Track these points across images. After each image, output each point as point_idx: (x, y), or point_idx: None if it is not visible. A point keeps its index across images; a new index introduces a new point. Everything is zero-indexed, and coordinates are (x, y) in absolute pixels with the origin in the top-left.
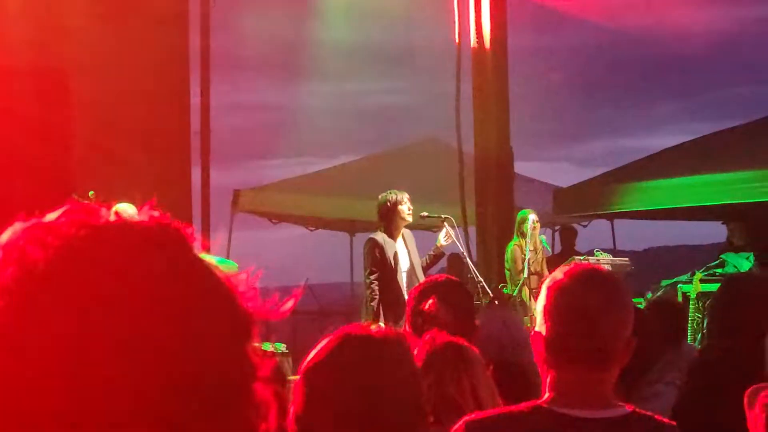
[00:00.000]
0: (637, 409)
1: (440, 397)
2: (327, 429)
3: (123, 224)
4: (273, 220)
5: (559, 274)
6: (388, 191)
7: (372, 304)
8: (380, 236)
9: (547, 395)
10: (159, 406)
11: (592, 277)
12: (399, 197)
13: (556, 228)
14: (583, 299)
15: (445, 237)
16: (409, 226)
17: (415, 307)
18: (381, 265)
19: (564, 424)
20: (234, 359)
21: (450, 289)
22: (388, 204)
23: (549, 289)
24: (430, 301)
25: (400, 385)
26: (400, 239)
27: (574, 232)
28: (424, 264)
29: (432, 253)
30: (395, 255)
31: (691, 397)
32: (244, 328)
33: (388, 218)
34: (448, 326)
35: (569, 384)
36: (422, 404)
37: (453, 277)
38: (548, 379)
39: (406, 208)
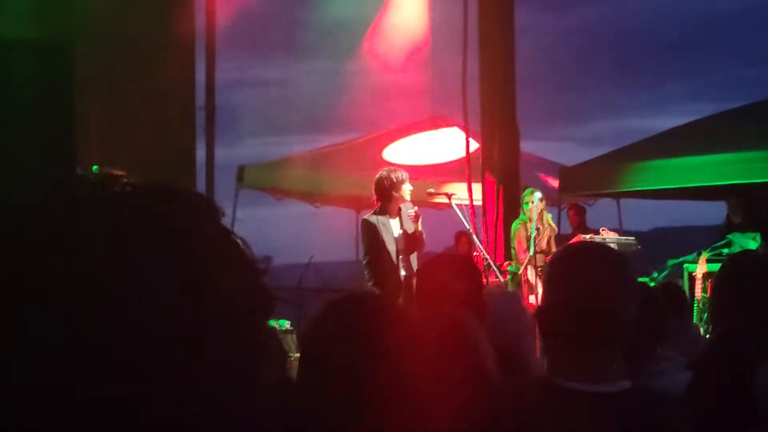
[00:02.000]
0: (639, 384)
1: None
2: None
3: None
4: (278, 197)
5: (562, 249)
6: (390, 168)
7: (369, 284)
8: (374, 218)
9: (547, 368)
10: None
11: (593, 252)
12: (403, 176)
13: (562, 206)
14: (584, 274)
15: (411, 219)
16: (416, 203)
17: (425, 282)
18: (375, 247)
19: (562, 396)
20: (247, 334)
21: (460, 266)
22: (391, 181)
23: (550, 264)
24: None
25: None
26: (397, 218)
27: (583, 210)
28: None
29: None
30: (390, 236)
31: (707, 374)
32: (267, 306)
33: (386, 197)
34: (459, 299)
35: (568, 357)
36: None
37: (463, 254)
38: (549, 352)
39: (408, 188)
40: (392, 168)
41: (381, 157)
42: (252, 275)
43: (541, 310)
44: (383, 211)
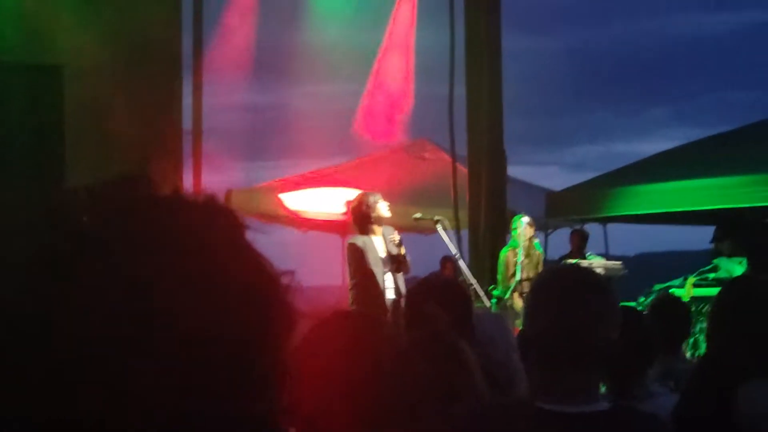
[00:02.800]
0: (622, 404)
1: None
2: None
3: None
4: (265, 221)
5: (543, 273)
6: (359, 194)
7: (353, 306)
8: (359, 240)
9: (529, 390)
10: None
11: (574, 277)
12: (374, 197)
13: (549, 231)
14: (563, 299)
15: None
16: (402, 228)
17: (412, 306)
18: (362, 269)
19: (544, 418)
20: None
21: (449, 291)
22: (366, 205)
23: (532, 287)
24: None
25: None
26: (379, 238)
27: (585, 235)
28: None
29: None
30: (376, 258)
31: (694, 399)
32: (289, 323)
33: (366, 220)
34: (446, 327)
35: (549, 380)
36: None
37: (454, 279)
38: (530, 375)
39: (385, 206)
40: (363, 192)
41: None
42: (274, 290)
43: (522, 334)
44: (366, 232)
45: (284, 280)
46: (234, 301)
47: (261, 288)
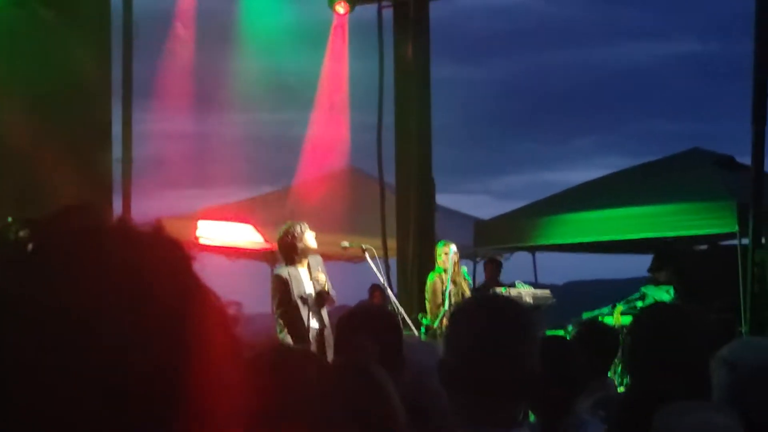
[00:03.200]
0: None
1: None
2: None
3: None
4: (194, 250)
5: (462, 303)
6: (287, 224)
7: (281, 335)
8: (284, 271)
9: (452, 417)
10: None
11: (490, 306)
12: (302, 227)
13: (478, 260)
14: (479, 330)
15: (318, 281)
16: (331, 256)
17: (342, 337)
18: (287, 301)
19: None
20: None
21: (378, 321)
22: (293, 235)
23: (451, 316)
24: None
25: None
26: (305, 267)
27: (499, 264)
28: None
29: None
30: (301, 288)
31: (621, 428)
32: (235, 354)
33: (292, 250)
34: (376, 359)
35: (468, 409)
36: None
37: (384, 308)
38: (453, 403)
39: (311, 236)
40: (291, 222)
41: (294, 211)
42: (220, 321)
43: (442, 362)
44: (292, 262)
45: (230, 311)
46: (177, 333)
47: (206, 319)
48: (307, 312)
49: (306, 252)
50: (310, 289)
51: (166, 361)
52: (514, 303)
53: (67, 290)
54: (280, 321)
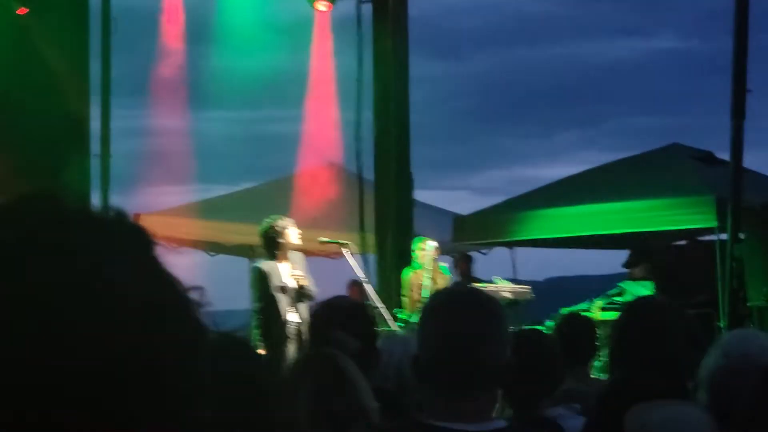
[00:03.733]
0: (518, 423)
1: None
2: None
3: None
4: (173, 245)
5: (432, 296)
6: (271, 217)
7: (257, 331)
8: (265, 264)
9: (425, 411)
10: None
11: (460, 300)
12: (285, 222)
13: (456, 256)
14: (449, 323)
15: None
16: (309, 252)
17: (320, 330)
18: (265, 294)
19: None
20: (180, 373)
21: (355, 316)
22: (275, 230)
23: (423, 311)
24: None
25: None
26: (286, 263)
27: (470, 258)
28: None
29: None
30: (280, 281)
31: (600, 421)
32: (197, 339)
33: (274, 245)
34: (353, 354)
35: (441, 402)
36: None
37: (358, 302)
38: (424, 397)
39: (295, 232)
40: (272, 217)
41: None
42: (182, 306)
43: (416, 358)
44: (273, 257)
45: (193, 296)
46: (138, 317)
47: (168, 303)
48: (284, 305)
49: (287, 247)
50: (292, 285)
51: (127, 348)
52: (484, 295)
53: (25, 275)
54: (258, 314)
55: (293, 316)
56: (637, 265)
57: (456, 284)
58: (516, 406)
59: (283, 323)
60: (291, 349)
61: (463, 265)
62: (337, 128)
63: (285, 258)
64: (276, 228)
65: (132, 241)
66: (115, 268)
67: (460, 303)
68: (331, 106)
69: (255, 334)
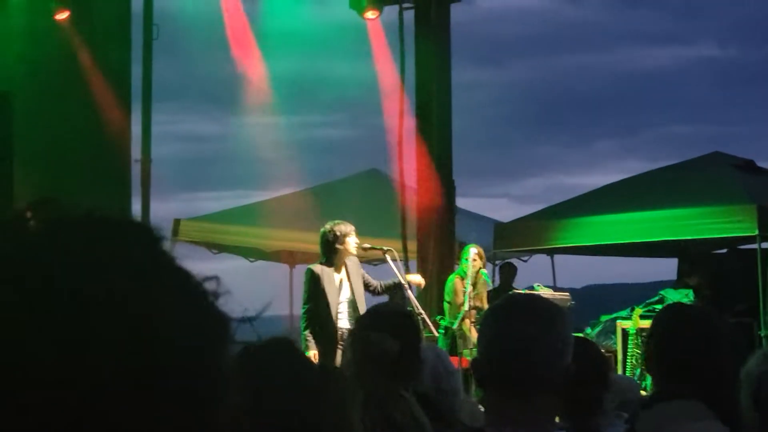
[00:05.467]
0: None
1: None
2: None
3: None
4: (213, 251)
5: (497, 301)
6: (335, 222)
7: (305, 333)
8: (319, 267)
9: (484, 418)
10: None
11: (522, 304)
12: (347, 229)
13: (497, 263)
14: (509, 326)
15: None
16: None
17: (361, 334)
18: (316, 297)
19: None
20: (215, 364)
21: (398, 320)
22: (335, 235)
23: (485, 314)
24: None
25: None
26: (343, 270)
27: (514, 269)
28: (379, 289)
29: (393, 282)
30: (333, 286)
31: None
32: (224, 329)
33: (330, 251)
34: (394, 357)
35: (500, 407)
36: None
37: (402, 308)
38: (485, 403)
39: (353, 241)
40: (337, 221)
41: (315, 212)
42: (201, 299)
43: (476, 361)
44: (328, 263)
45: (209, 286)
46: (155, 314)
47: (184, 296)
48: (336, 309)
49: (343, 255)
50: (345, 294)
51: (142, 344)
52: (543, 300)
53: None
54: (306, 317)
55: (344, 323)
56: (692, 275)
57: (496, 294)
58: (564, 414)
59: (332, 326)
60: (339, 355)
61: (506, 272)
62: (380, 134)
63: (341, 264)
64: (336, 233)
65: (138, 239)
66: (122, 268)
67: (515, 306)
68: (373, 112)
69: (303, 337)
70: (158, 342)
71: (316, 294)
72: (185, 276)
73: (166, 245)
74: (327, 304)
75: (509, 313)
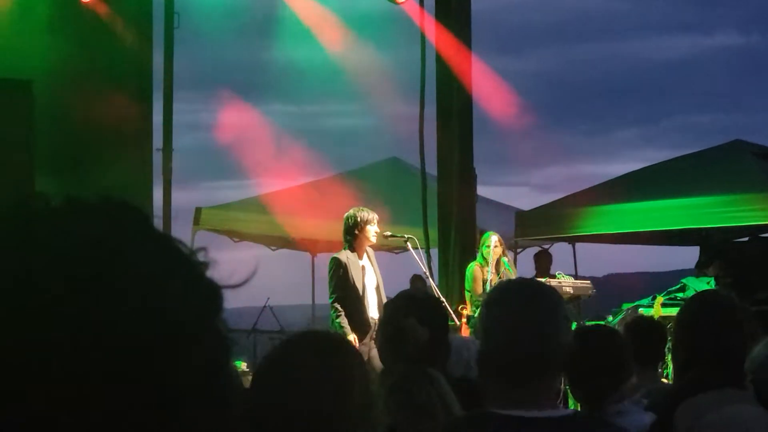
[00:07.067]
0: (585, 412)
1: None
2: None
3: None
4: (235, 239)
5: (491, 291)
6: (359, 208)
7: (338, 321)
8: (344, 255)
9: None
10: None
11: (515, 290)
12: (369, 217)
13: (518, 250)
14: (504, 313)
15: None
16: (373, 246)
17: (391, 319)
18: (345, 285)
19: (509, 423)
20: (209, 334)
21: (428, 307)
22: (355, 220)
23: (482, 306)
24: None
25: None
26: (365, 257)
27: (549, 256)
28: None
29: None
30: (360, 273)
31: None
32: (216, 300)
33: (351, 235)
34: (423, 344)
35: (506, 391)
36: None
37: (432, 294)
38: (488, 390)
39: (373, 230)
40: (361, 207)
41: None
42: (194, 271)
43: (480, 353)
44: (351, 249)
45: (199, 257)
46: (150, 293)
47: (177, 271)
48: (365, 297)
49: (362, 242)
50: (372, 279)
51: (140, 324)
52: (537, 285)
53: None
54: (336, 306)
55: (373, 311)
56: (709, 265)
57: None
58: (582, 400)
59: (362, 315)
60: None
61: (542, 261)
62: (401, 122)
63: (362, 251)
64: (357, 218)
65: (127, 220)
66: (110, 251)
67: (511, 293)
68: (395, 99)
69: (335, 324)
70: (164, 317)
71: (343, 282)
72: (177, 249)
73: (155, 222)
74: (356, 292)
75: (500, 302)
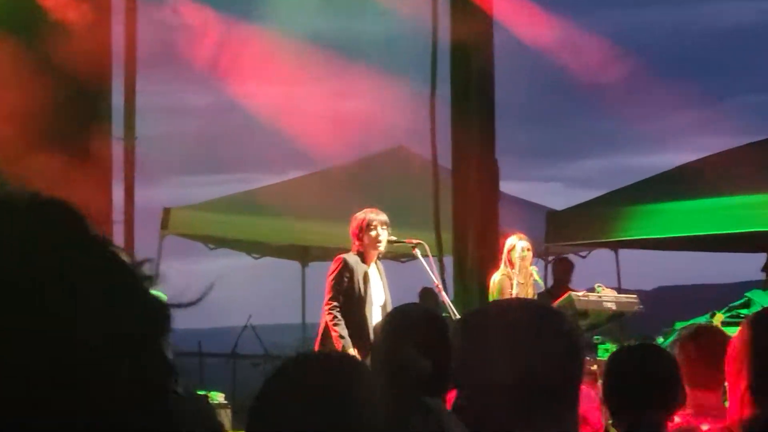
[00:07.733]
0: None
1: None
2: None
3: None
4: (210, 246)
5: (477, 316)
6: (364, 211)
7: (337, 329)
8: (353, 258)
9: None
10: None
11: (521, 320)
12: (378, 221)
13: (550, 258)
14: (519, 345)
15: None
16: (379, 254)
17: (387, 351)
18: (348, 292)
19: None
20: (149, 360)
21: (428, 330)
22: (354, 224)
23: (473, 334)
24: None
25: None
26: (374, 267)
27: (570, 265)
28: None
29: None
30: (367, 284)
31: None
32: (156, 320)
33: (355, 238)
34: (424, 375)
35: (507, 424)
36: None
37: (434, 312)
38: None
39: (375, 235)
40: (370, 209)
41: (331, 199)
42: (134, 288)
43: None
44: (359, 254)
45: (144, 270)
46: (83, 299)
47: (114, 282)
48: (374, 312)
49: (369, 249)
50: (379, 294)
51: (58, 339)
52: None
53: None
54: (335, 313)
55: (377, 317)
56: None
57: (548, 294)
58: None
59: (364, 329)
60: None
61: (560, 269)
62: (408, 105)
63: (370, 259)
64: (363, 222)
65: (57, 222)
66: (39, 255)
67: (515, 323)
68: (401, 81)
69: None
70: (77, 338)
71: (347, 289)
72: (113, 259)
73: (90, 225)
74: (360, 303)
75: (514, 330)
